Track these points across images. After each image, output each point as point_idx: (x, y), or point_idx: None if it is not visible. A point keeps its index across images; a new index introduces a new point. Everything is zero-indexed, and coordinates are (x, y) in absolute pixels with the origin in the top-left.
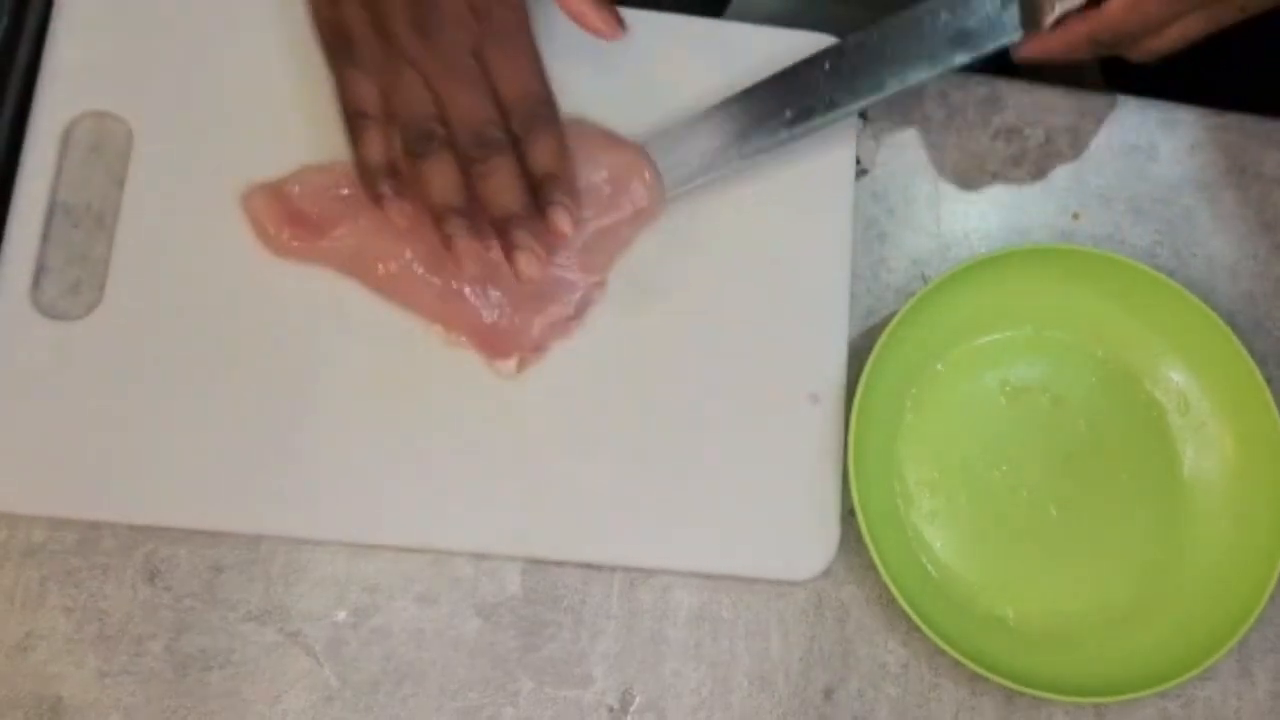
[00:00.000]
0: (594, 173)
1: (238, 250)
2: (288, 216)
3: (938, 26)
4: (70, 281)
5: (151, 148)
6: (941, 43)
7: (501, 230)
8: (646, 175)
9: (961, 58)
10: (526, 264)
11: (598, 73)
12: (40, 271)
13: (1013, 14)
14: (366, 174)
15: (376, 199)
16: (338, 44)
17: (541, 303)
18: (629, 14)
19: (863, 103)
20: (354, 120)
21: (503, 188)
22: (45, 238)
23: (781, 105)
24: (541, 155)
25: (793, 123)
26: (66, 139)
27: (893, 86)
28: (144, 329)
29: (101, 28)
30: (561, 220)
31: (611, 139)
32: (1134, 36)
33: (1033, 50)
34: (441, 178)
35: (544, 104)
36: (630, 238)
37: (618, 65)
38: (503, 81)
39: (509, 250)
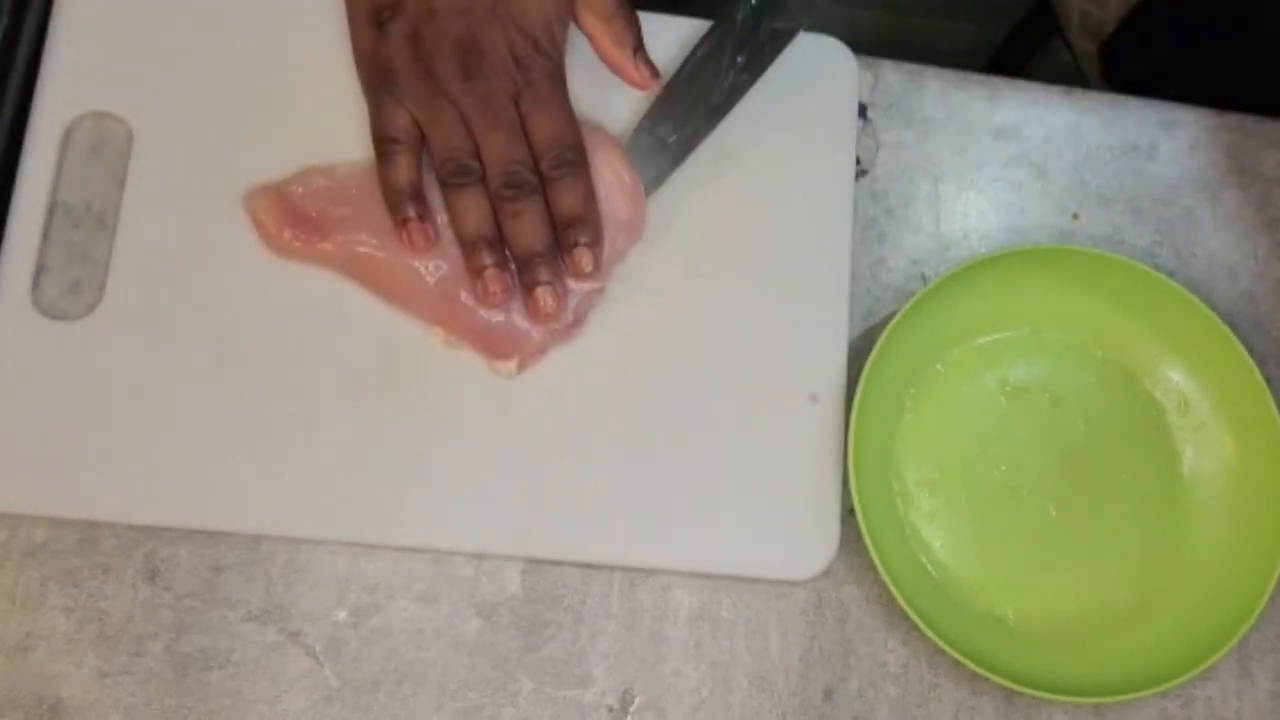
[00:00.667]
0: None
1: (238, 250)
2: (290, 217)
3: None
4: (70, 281)
5: (152, 148)
6: None
7: (524, 266)
8: (631, 197)
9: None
10: (545, 300)
11: (607, 78)
12: (40, 271)
13: None
14: (393, 197)
15: (401, 222)
16: (379, 75)
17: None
18: (648, 18)
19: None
20: (386, 145)
21: (530, 227)
22: (45, 238)
23: (700, 96)
24: (569, 199)
25: (710, 113)
26: (66, 139)
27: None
28: (144, 329)
29: (101, 28)
30: (585, 261)
31: (608, 153)
32: None
33: None
34: (475, 210)
35: (573, 150)
36: (625, 249)
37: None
38: (537, 128)
39: (530, 286)
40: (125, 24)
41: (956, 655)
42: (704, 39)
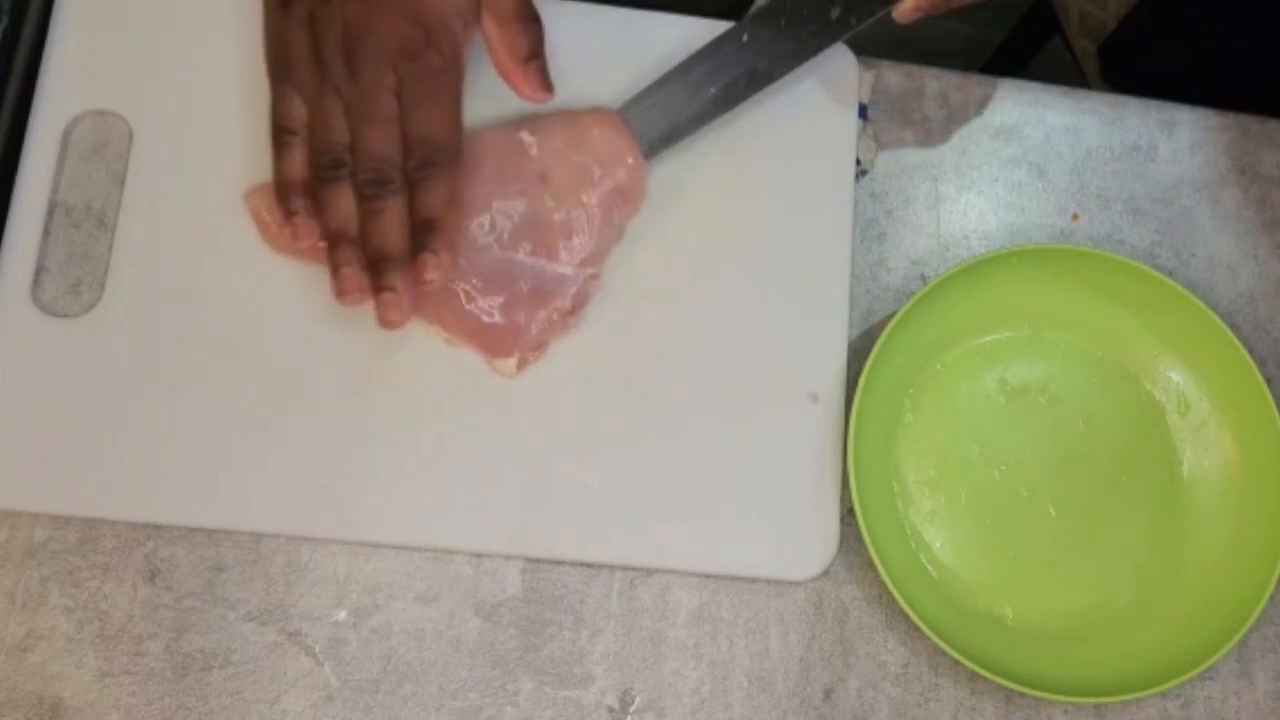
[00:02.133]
0: (582, 153)
1: (237, 249)
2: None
3: None
4: (70, 280)
5: (151, 147)
6: None
7: (374, 269)
8: (630, 160)
9: (879, 7)
10: (387, 308)
11: (625, 79)
12: (40, 270)
13: None
14: (282, 189)
15: (289, 214)
16: (279, 61)
17: (538, 300)
18: (651, 17)
19: (784, 74)
20: (279, 135)
21: (385, 228)
22: (45, 237)
23: (707, 81)
24: (428, 201)
25: (717, 100)
26: (66, 138)
27: (812, 48)
28: (144, 328)
29: (101, 28)
30: (429, 269)
31: (605, 123)
32: None
33: (920, 0)
34: (340, 206)
35: (443, 152)
36: (621, 225)
37: (646, 70)
38: (411, 125)
39: (376, 289)
40: (125, 23)
41: (956, 655)
42: (761, 11)
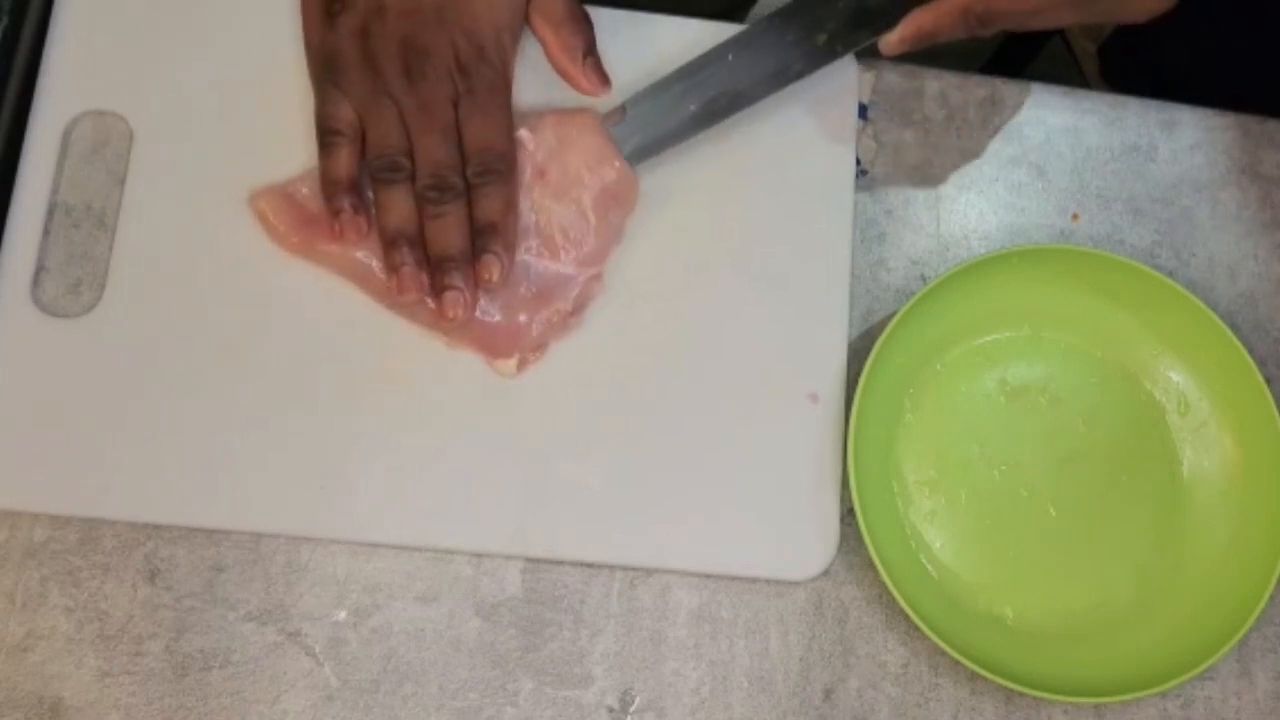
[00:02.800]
0: (573, 153)
1: (237, 249)
2: (298, 217)
3: (838, 8)
4: (70, 281)
5: (152, 147)
6: (844, 23)
7: (438, 269)
8: (616, 164)
9: (865, 37)
10: (452, 305)
11: (623, 79)
12: (40, 271)
13: None
14: (330, 186)
15: (335, 212)
16: (326, 67)
17: (541, 300)
18: (655, 19)
19: (765, 96)
20: (327, 135)
21: (448, 230)
22: (45, 237)
23: (688, 97)
24: (488, 206)
25: (697, 117)
26: (66, 138)
27: (794, 73)
28: (144, 328)
29: (101, 27)
30: (491, 269)
31: (588, 128)
32: (1006, 16)
33: (903, 31)
34: (400, 208)
35: (501, 160)
36: (619, 225)
37: (649, 70)
38: (469, 134)
39: (440, 289)
40: (125, 23)
41: (956, 655)
42: (775, 17)
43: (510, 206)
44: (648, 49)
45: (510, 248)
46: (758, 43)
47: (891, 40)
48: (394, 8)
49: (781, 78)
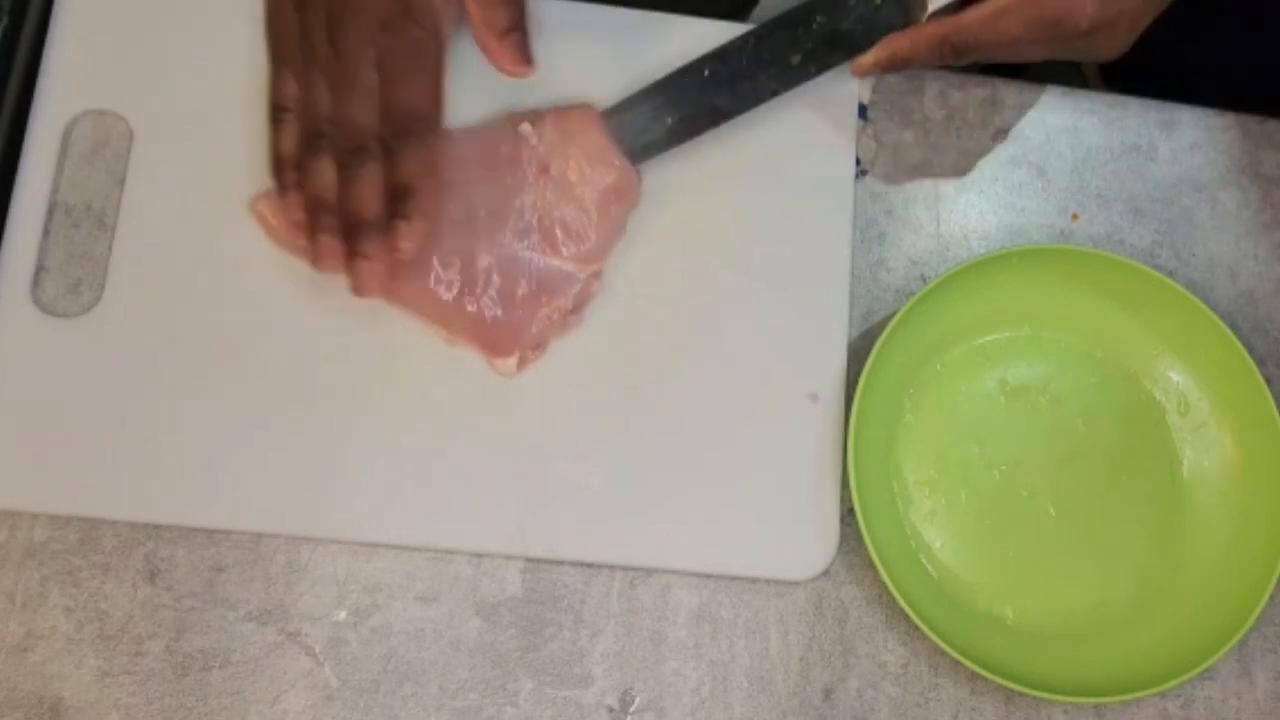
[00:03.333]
0: (575, 148)
1: (237, 249)
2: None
3: (813, 29)
4: (70, 281)
5: (152, 146)
6: (820, 44)
7: (350, 235)
8: (616, 161)
9: (839, 59)
10: (363, 273)
11: (624, 79)
12: (40, 270)
13: (888, 13)
14: (275, 164)
15: (281, 189)
16: (271, 44)
17: (541, 297)
18: (655, 18)
19: (741, 113)
20: (273, 113)
21: (360, 195)
22: (45, 237)
23: (664, 111)
24: (402, 169)
25: (673, 131)
26: (66, 138)
27: (768, 91)
28: (144, 327)
29: (101, 27)
30: (403, 235)
31: (588, 124)
32: (983, 48)
33: (877, 54)
34: (321, 175)
35: (421, 121)
36: (620, 221)
37: (648, 70)
38: (390, 94)
39: (350, 255)
40: (125, 23)
41: (956, 655)
42: (751, 35)
43: (428, 170)
44: (653, 48)
45: (425, 213)
46: (734, 60)
47: (864, 62)
48: None
49: (756, 96)
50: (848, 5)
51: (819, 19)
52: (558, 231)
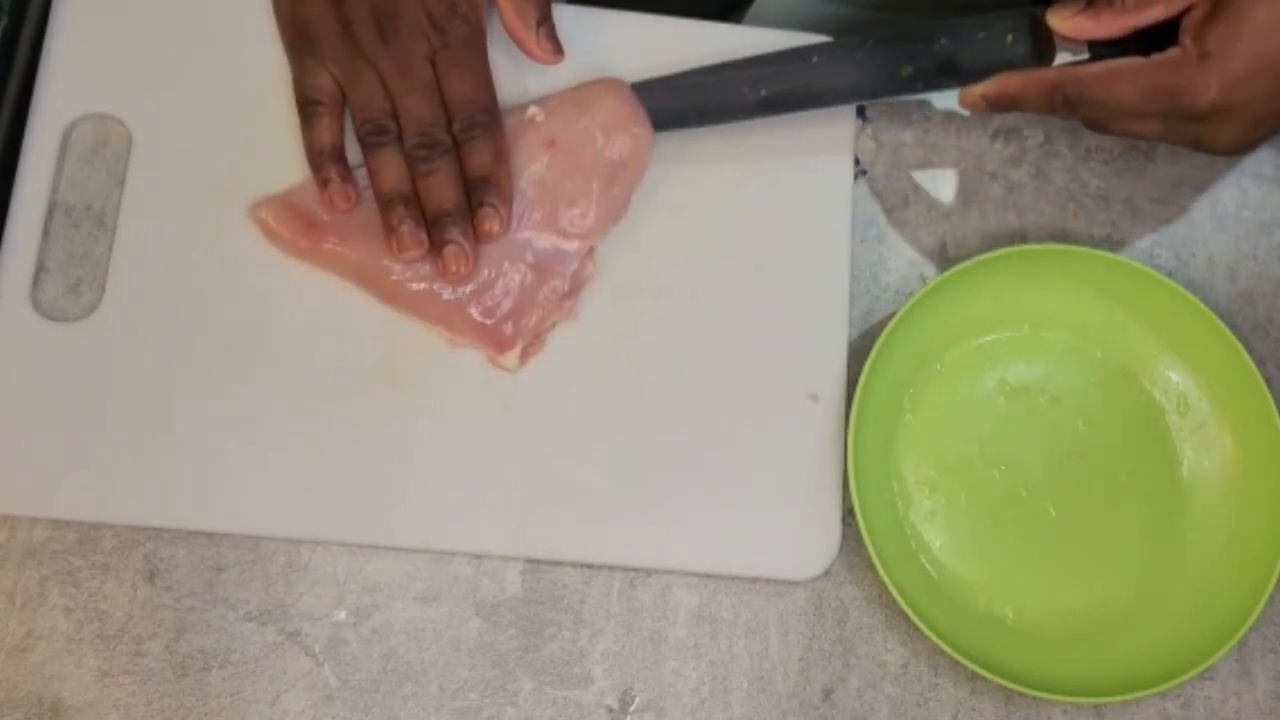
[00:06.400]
0: (589, 118)
1: (238, 250)
2: (303, 222)
3: (933, 49)
4: (70, 281)
5: (151, 149)
6: (935, 65)
7: (435, 225)
8: (636, 129)
9: (949, 84)
10: (454, 259)
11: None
12: (40, 271)
13: (1013, 53)
14: (315, 158)
15: (323, 182)
16: (300, 38)
17: (539, 280)
18: (653, 20)
19: (835, 104)
20: (308, 106)
21: (441, 186)
22: (45, 237)
23: (758, 85)
24: (478, 160)
25: (763, 102)
26: (66, 139)
27: (868, 93)
28: (144, 329)
29: (101, 28)
30: (490, 221)
31: (613, 90)
32: (1093, 106)
33: (987, 89)
34: (391, 169)
35: (485, 112)
36: (622, 199)
37: (638, 70)
38: (450, 89)
39: (439, 244)
40: (125, 25)
41: (956, 655)
42: (869, 37)
43: (501, 157)
44: (646, 49)
45: (507, 199)
46: (844, 55)
47: (974, 94)
48: None
49: (856, 94)
50: (976, 37)
51: (943, 41)
52: (559, 208)
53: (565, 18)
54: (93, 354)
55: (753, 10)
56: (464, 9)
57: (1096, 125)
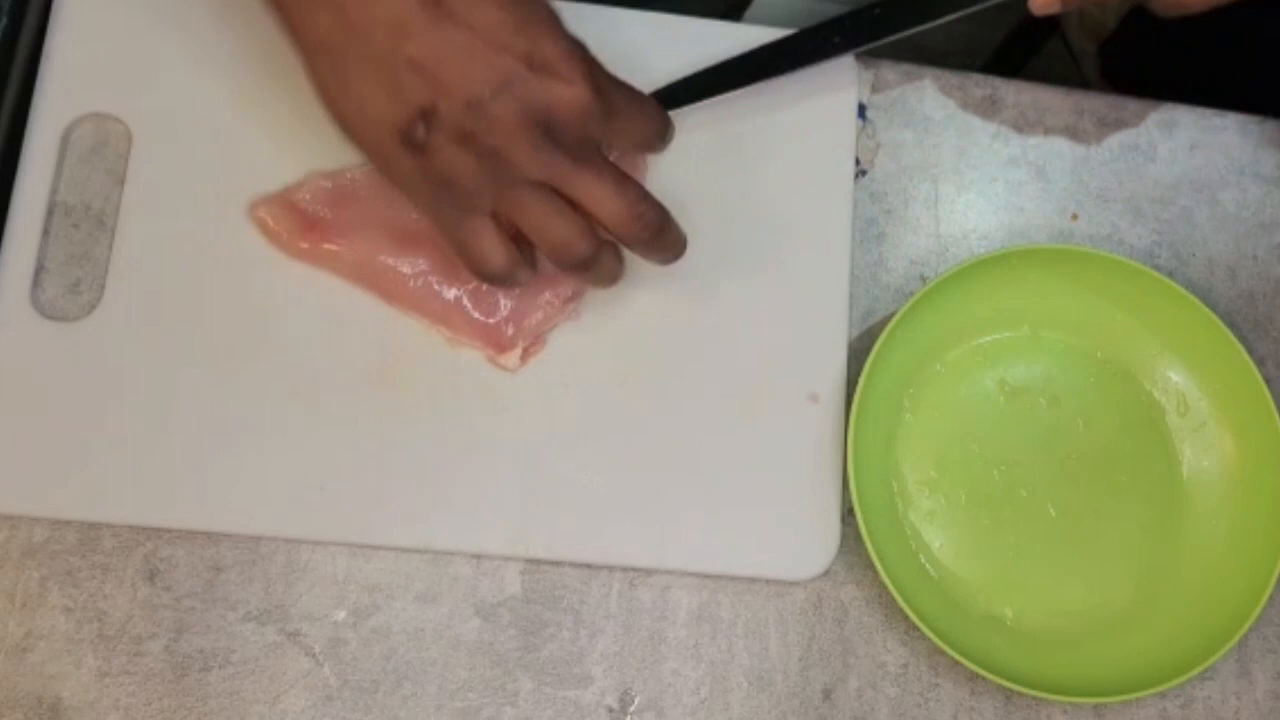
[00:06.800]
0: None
1: (238, 250)
2: (302, 223)
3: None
4: (70, 281)
5: (151, 149)
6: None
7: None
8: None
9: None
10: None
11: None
12: (40, 271)
13: None
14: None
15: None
16: (445, 193)
17: (542, 279)
18: (649, 17)
19: (880, 40)
20: (495, 280)
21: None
22: (45, 237)
23: (786, 50)
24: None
25: (796, 54)
26: (66, 139)
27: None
28: (144, 329)
29: (101, 28)
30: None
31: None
32: None
33: None
34: (609, 269)
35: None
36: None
37: (635, 69)
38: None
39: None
40: (125, 25)
41: (956, 655)
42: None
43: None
44: (648, 48)
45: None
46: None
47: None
48: (481, 90)
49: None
50: None
51: None
52: None
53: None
54: (93, 354)
55: (751, 11)
56: (574, 68)
57: (1170, 5)
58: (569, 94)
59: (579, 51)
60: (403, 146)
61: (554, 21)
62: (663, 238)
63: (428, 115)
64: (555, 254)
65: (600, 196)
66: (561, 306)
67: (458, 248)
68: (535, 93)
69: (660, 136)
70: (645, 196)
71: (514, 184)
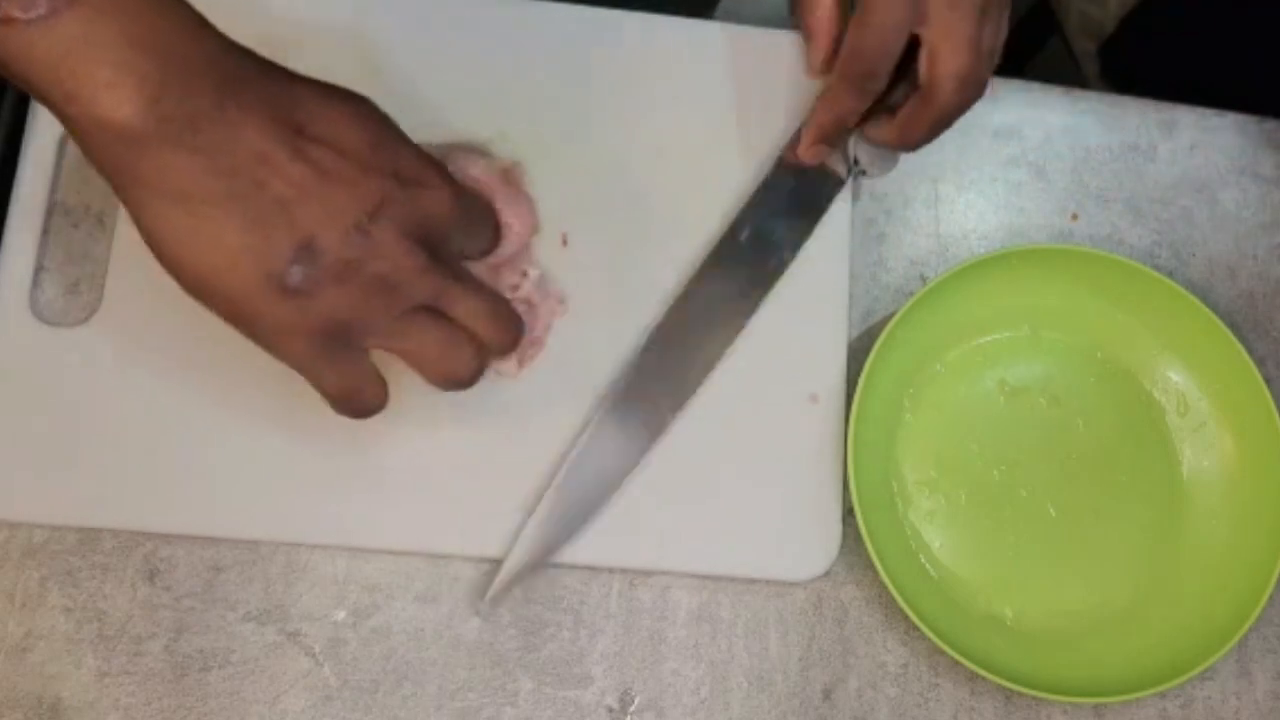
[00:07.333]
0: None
1: None
2: None
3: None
4: (70, 282)
5: None
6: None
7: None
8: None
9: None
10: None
11: (584, 76)
12: (40, 272)
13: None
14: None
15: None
16: (325, 336)
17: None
18: (618, 15)
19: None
20: (366, 413)
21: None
22: (44, 238)
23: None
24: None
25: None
26: (66, 140)
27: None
28: (144, 331)
29: None
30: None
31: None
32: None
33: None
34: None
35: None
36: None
37: (604, 67)
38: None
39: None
40: None
41: (956, 655)
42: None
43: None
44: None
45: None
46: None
47: (805, 147)
48: (361, 215)
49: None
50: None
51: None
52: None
53: (531, 14)
54: (92, 356)
55: (723, 6)
56: (444, 180)
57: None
58: (437, 198)
59: (427, 154)
60: (277, 294)
61: (399, 130)
62: (517, 342)
63: (304, 253)
64: (441, 380)
65: (476, 311)
66: (558, 309)
67: (330, 390)
68: (410, 207)
69: (492, 242)
70: (509, 303)
71: (401, 313)
